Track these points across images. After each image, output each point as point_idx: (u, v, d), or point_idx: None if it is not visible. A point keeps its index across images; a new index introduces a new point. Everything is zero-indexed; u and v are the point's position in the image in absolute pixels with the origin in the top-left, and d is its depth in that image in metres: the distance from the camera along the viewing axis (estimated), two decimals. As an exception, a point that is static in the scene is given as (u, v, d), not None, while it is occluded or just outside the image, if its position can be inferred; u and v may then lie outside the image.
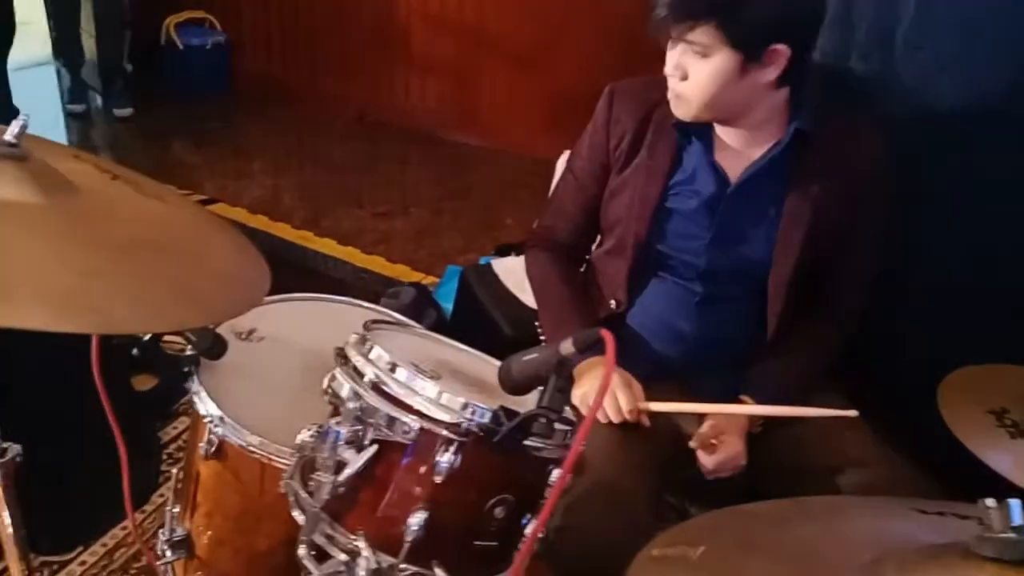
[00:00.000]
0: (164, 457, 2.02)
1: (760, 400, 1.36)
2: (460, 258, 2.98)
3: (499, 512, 0.92)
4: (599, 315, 1.47)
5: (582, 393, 1.34)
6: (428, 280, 2.80)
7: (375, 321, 1.05)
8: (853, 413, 1.23)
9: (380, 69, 4.17)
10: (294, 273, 2.91)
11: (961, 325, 1.51)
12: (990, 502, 0.59)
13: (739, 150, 1.36)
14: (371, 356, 0.94)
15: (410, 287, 2.41)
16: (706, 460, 1.31)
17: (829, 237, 1.36)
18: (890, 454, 1.33)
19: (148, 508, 1.86)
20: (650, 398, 1.35)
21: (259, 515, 1.24)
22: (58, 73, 4.13)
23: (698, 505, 1.76)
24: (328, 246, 3.05)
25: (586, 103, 1.53)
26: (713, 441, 1.31)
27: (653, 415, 1.34)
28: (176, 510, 1.37)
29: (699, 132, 1.36)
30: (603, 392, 0.82)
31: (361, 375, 0.93)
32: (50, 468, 1.73)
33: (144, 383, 2.14)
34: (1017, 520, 0.57)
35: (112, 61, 3.95)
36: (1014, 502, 0.58)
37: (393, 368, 0.93)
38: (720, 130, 1.37)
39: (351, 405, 0.89)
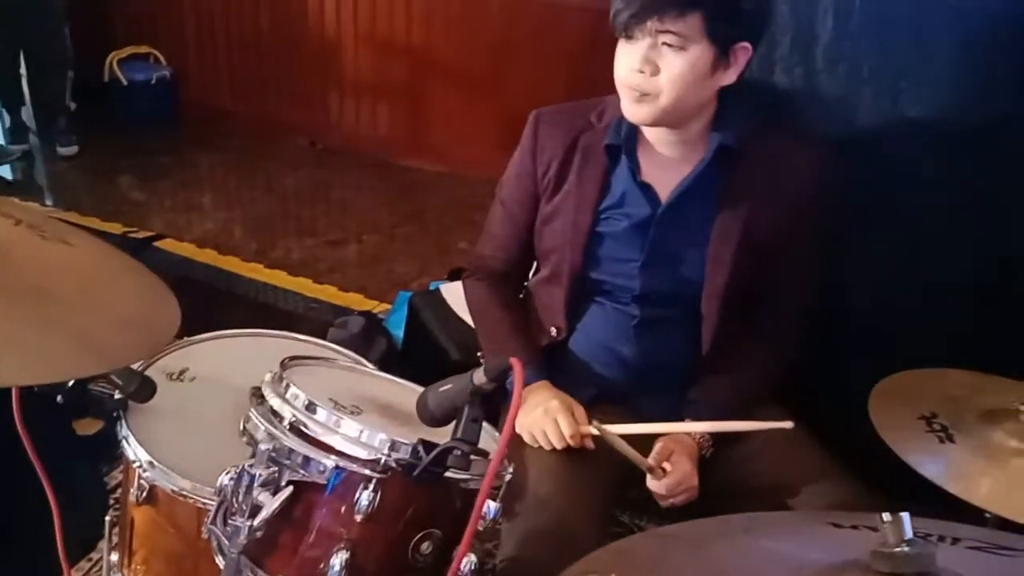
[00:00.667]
0: (112, 502, 1.98)
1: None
2: (415, 283, 2.96)
3: (426, 547, 0.91)
4: (540, 342, 1.45)
5: (525, 421, 1.33)
6: (381, 308, 2.78)
7: (293, 357, 1.03)
8: (789, 425, 1.23)
9: (329, 96, 4.17)
10: (244, 307, 2.87)
11: (890, 332, 1.53)
12: (886, 516, 0.58)
13: (666, 170, 1.36)
14: (287, 395, 0.92)
15: (359, 316, 2.39)
16: (657, 486, 1.30)
17: (761, 254, 1.35)
18: (832, 468, 1.33)
19: (95, 556, 1.81)
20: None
21: (196, 558, 1.21)
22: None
23: (649, 522, 1.76)
24: (278, 277, 3.02)
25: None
26: (664, 465, 1.30)
27: (598, 438, 1.32)
28: (114, 558, 1.34)
29: (628, 153, 1.36)
30: (512, 419, 0.81)
31: (276, 415, 0.91)
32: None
33: (89, 427, 2.09)
34: (909, 534, 0.57)
35: (54, 101, 3.90)
36: (905, 516, 0.57)
37: (309, 406, 0.91)
38: (649, 150, 1.37)
39: (264, 446, 0.87)
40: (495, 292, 1.51)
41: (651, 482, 1.30)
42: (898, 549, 0.57)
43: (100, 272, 0.92)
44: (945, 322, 1.49)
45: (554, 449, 1.32)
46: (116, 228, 3.27)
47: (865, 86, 1.50)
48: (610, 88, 1.38)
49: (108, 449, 2.10)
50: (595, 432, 1.31)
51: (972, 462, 1.08)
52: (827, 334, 1.51)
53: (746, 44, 1.25)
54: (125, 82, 4.16)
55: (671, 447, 1.32)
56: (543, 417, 1.32)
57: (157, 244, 3.18)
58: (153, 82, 4.21)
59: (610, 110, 1.39)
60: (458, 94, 3.89)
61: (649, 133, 1.35)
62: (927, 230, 1.49)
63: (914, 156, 1.49)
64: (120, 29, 4.35)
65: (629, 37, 1.25)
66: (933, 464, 1.07)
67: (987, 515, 1.08)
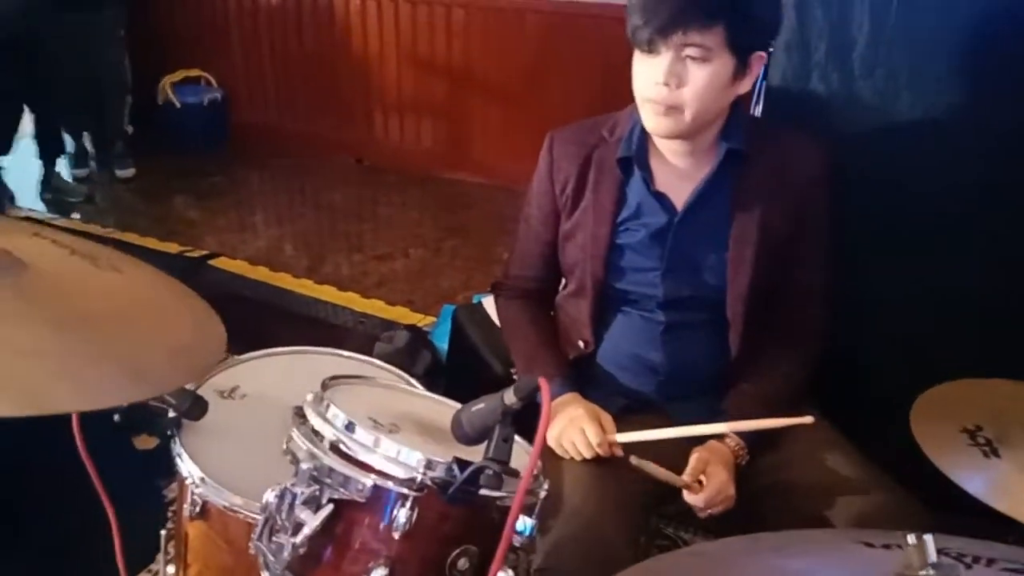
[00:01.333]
0: (169, 515, 2.04)
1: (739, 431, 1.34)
2: (459, 296, 3.00)
3: (462, 564, 0.92)
4: (569, 356, 1.47)
5: (555, 433, 1.35)
6: (427, 321, 2.82)
7: (334, 377, 1.06)
8: (809, 420, 1.23)
9: (374, 114, 4.25)
10: (295, 323, 2.94)
11: (928, 341, 1.51)
12: (910, 538, 0.58)
13: (679, 179, 1.38)
14: (328, 415, 0.95)
15: (404, 330, 2.43)
16: (695, 499, 1.30)
17: (778, 254, 1.37)
18: (872, 477, 1.31)
19: (155, 567, 1.87)
20: (623, 431, 1.34)
21: (248, 572, 1.24)
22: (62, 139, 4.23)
23: (695, 536, 1.75)
24: (328, 293, 3.08)
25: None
26: (700, 478, 1.30)
27: (629, 447, 1.33)
28: (171, 570, 1.38)
29: (641, 165, 1.38)
30: (542, 438, 0.82)
31: (317, 435, 0.94)
32: (51, 535, 1.75)
33: (148, 441, 2.16)
34: (933, 558, 0.57)
35: (115, 126, 4.05)
36: (929, 538, 0.57)
37: (348, 426, 0.94)
38: (661, 159, 1.38)
39: (305, 465, 0.90)
40: (525, 309, 1.55)
41: (688, 496, 1.30)
42: (922, 572, 0.57)
43: (149, 299, 0.97)
44: (986, 331, 1.46)
45: (585, 460, 1.33)
46: (172, 248, 3.39)
47: (904, 91, 1.49)
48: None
49: (166, 463, 2.17)
50: (622, 440, 1.32)
51: (1020, 477, 1.04)
52: (864, 343, 1.49)
53: (761, 53, 1.29)
54: (178, 105, 4.30)
55: (707, 458, 1.32)
56: (570, 427, 1.34)
57: (212, 263, 3.28)
58: (205, 104, 4.35)
59: (621, 124, 1.42)
60: (498, 107, 3.93)
61: (662, 144, 1.37)
62: (967, 236, 1.48)
63: (955, 162, 1.47)
64: (172, 53, 4.50)
65: (651, 51, 1.26)
66: (978, 480, 1.04)
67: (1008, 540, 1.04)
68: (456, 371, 2.22)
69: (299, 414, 0.99)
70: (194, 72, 4.41)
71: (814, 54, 1.55)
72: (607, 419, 1.36)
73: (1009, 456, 1.07)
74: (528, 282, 1.56)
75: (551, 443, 1.35)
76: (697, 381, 1.43)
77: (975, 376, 1.24)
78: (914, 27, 1.45)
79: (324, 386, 1.02)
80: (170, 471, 2.18)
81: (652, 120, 1.30)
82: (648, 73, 1.27)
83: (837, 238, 1.42)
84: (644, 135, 1.38)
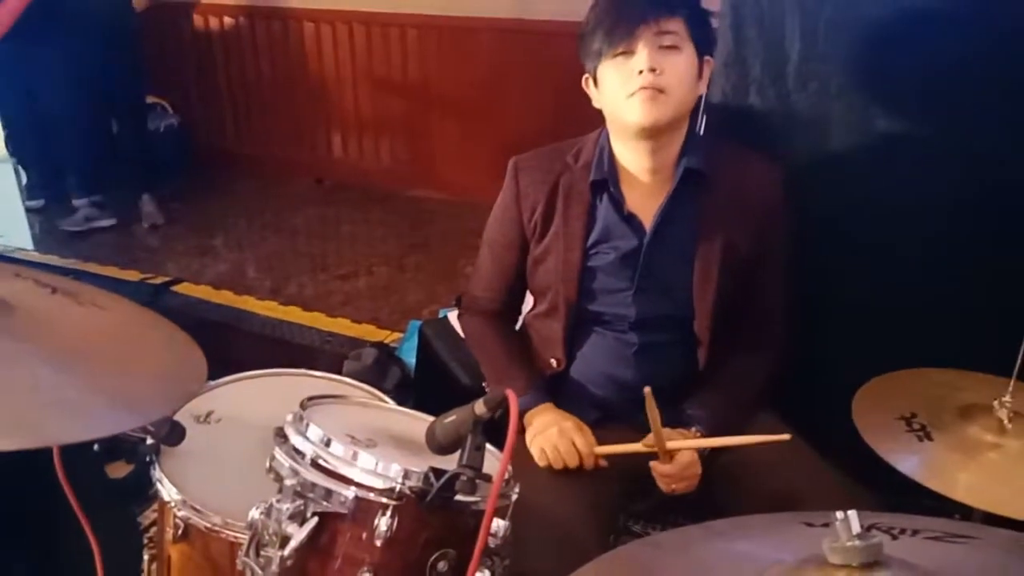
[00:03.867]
0: (145, 541, 2.05)
1: (709, 432, 1.41)
2: (425, 311, 3.04)
3: (442, 566, 0.98)
4: (543, 373, 1.52)
5: (538, 441, 1.41)
6: (393, 337, 2.86)
7: (311, 397, 1.12)
8: (786, 437, 1.29)
9: (332, 134, 4.29)
10: (262, 344, 2.95)
11: (868, 342, 1.60)
12: (839, 514, 0.66)
13: (646, 200, 1.43)
14: (308, 433, 1.01)
15: (372, 348, 2.47)
16: (664, 470, 1.35)
17: (742, 272, 1.43)
18: (827, 476, 1.38)
19: (133, 593, 1.88)
20: (600, 442, 1.41)
21: (231, 590, 1.28)
22: (15, 170, 4.20)
23: (662, 530, 1.81)
24: (293, 313, 3.10)
25: (533, 146, 1.56)
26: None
27: (608, 457, 1.40)
28: (153, 594, 1.41)
29: (612, 184, 1.43)
30: (511, 446, 0.89)
31: (299, 452, 1.00)
32: (31, 566, 1.75)
33: (119, 470, 2.17)
34: (857, 528, 0.64)
35: (69, 156, 4.00)
36: (853, 513, 0.65)
37: (328, 442, 0.99)
38: (628, 182, 1.43)
39: (289, 482, 0.96)
40: (491, 324, 1.59)
41: (656, 466, 1.36)
42: (848, 543, 0.65)
43: (131, 331, 1.01)
44: (924, 324, 1.55)
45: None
46: (134, 275, 3.38)
47: (834, 102, 1.58)
48: (592, 108, 1.45)
49: (140, 490, 2.18)
50: (604, 452, 1.38)
51: (949, 458, 1.13)
52: (814, 340, 1.57)
53: (710, 58, 1.39)
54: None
55: (675, 436, 1.38)
56: (559, 437, 1.39)
57: (175, 288, 3.28)
58: (162, 131, 4.34)
59: (587, 149, 1.47)
60: (456, 124, 3.99)
61: (630, 162, 1.43)
62: (905, 239, 1.56)
63: (885, 165, 1.56)
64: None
65: (628, 51, 1.32)
66: (912, 462, 1.13)
67: (956, 517, 1.13)
68: (425, 385, 2.26)
69: (280, 434, 1.04)
70: (150, 99, 4.39)
71: (751, 71, 1.64)
72: (588, 432, 1.42)
73: (940, 439, 1.17)
74: (491, 303, 1.60)
75: (533, 451, 1.41)
76: (668, 394, 1.45)
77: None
78: (841, 42, 1.54)
79: (303, 406, 1.07)
80: (144, 498, 2.19)
81: (641, 109, 1.32)
82: (628, 68, 1.32)
83: (795, 255, 1.49)
84: (613, 159, 1.44)
